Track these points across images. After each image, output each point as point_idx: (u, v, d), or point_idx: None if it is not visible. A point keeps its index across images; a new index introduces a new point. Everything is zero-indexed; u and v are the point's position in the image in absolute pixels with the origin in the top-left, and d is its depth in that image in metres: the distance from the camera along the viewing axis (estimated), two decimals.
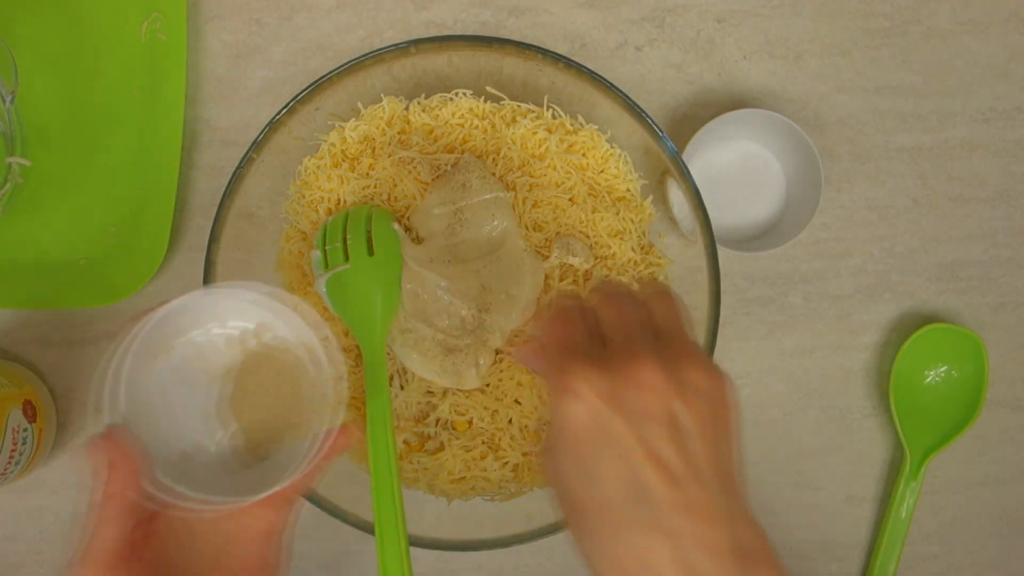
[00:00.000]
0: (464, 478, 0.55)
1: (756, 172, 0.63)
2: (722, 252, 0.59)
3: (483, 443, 0.56)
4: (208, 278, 0.52)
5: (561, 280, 0.55)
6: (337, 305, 0.55)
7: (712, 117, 0.59)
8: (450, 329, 0.54)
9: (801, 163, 0.61)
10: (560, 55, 0.52)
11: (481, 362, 0.55)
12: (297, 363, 0.43)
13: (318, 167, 0.57)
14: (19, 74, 0.59)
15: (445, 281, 0.54)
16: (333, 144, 0.57)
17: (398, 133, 0.57)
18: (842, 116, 0.64)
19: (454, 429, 0.56)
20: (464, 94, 0.57)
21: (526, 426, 0.56)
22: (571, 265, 0.56)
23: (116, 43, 0.62)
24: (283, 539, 0.42)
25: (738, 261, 0.63)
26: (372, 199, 0.56)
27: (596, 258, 0.56)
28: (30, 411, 0.58)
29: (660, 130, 0.52)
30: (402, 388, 0.56)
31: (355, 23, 0.64)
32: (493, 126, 0.57)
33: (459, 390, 0.55)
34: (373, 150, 0.57)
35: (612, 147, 0.57)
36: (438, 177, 0.56)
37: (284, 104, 0.52)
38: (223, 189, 0.53)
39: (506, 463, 0.55)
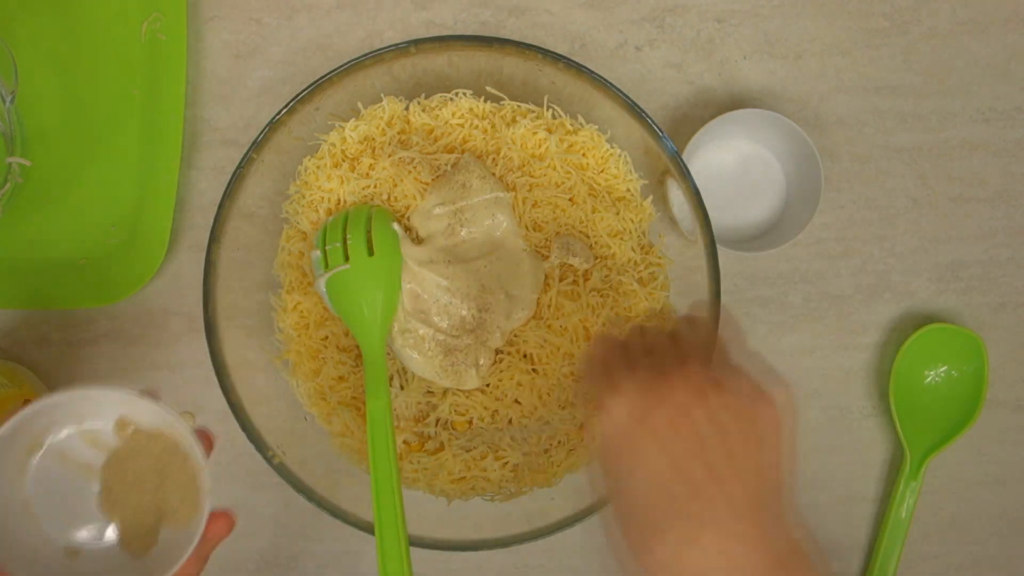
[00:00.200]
0: (464, 478, 0.55)
1: (756, 172, 0.63)
2: (722, 252, 0.59)
3: (483, 443, 0.56)
4: (208, 278, 0.52)
5: (561, 280, 0.55)
6: (337, 305, 0.55)
7: (712, 117, 0.59)
8: (450, 329, 0.54)
9: (801, 163, 0.61)
10: (560, 55, 0.52)
11: (481, 362, 0.55)
12: (165, 451, 0.43)
13: (318, 167, 0.57)
14: (19, 74, 0.59)
15: (445, 281, 0.54)
16: (333, 144, 0.57)
17: (398, 133, 0.57)
18: (842, 116, 0.64)
19: (454, 429, 0.56)
20: (464, 94, 0.57)
21: (526, 426, 0.56)
22: (571, 265, 0.56)
23: (116, 43, 0.62)
24: None
25: (738, 261, 0.63)
26: (372, 199, 0.56)
27: (596, 258, 0.56)
28: None
29: (660, 130, 0.52)
30: (402, 388, 0.56)
31: (355, 23, 0.64)
32: (493, 126, 0.57)
33: (459, 390, 0.55)
34: (373, 150, 0.57)
35: (612, 147, 0.57)
36: (438, 177, 0.56)
37: (284, 104, 0.52)
38: (223, 189, 0.53)
39: (506, 463, 0.55)
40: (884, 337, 0.64)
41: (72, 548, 0.42)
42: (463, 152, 0.56)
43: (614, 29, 0.64)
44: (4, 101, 0.59)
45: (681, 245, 0.57)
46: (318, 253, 0.55)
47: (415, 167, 0.55)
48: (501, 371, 0.55)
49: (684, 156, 0.59)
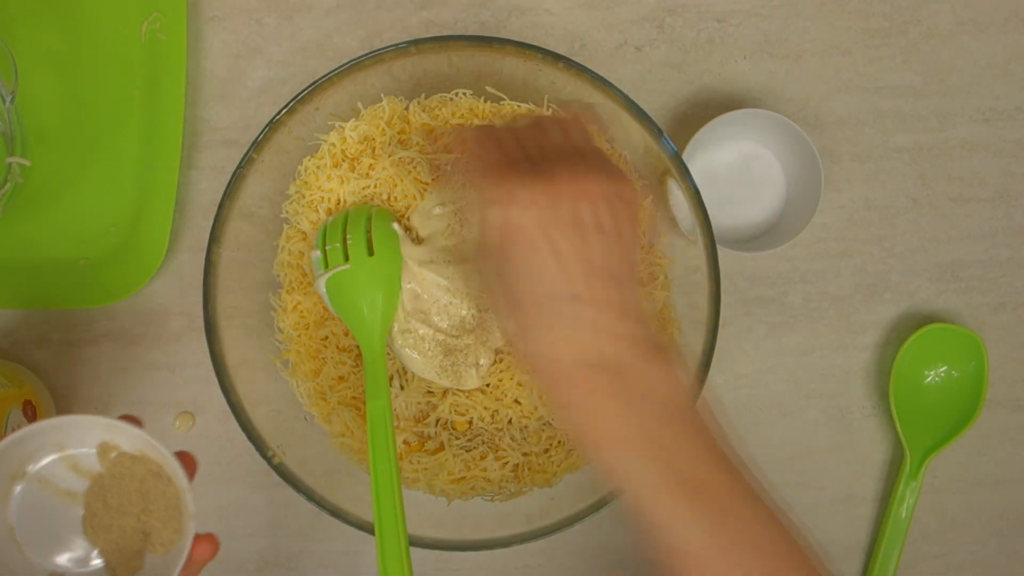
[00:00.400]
0: (464, 478, 0.55)
1: (756, 172, 0.63)
2: (722, 252, 0.59)
3: (483, 443, 0.56)
4: (208, 278, 0.52)
5: None
6: (337, 305, 0.55)
7: (712, 117, 0.59)
8: (450, 329, 0.54)
9: (801, 163, 0.61)
10: (560, 55, 0.52)
11: (481, 362, 0.55)
12: (147, 475, 0.43)
13: (318, 167, 0.57)
14: (19, 74, 0.59)
15: (445, 281, 0.54)
16: (333, 144, 0.57)
17: (398, 133, 0.57)
18: (842, 116, 0.64)
19: (454, 429, 0.56)
20: (464, 94, 0.57)
21: (526, 426, 0.56)
22: None
23: (116, 43, 0.62)
24: None
25: (738, 261, 0.63)
26: (372, 199, 0.56)
27: None
28: (30, 411, 0.58)
29: (660, 130, 0.52)
30: (402, 388, 0.56)
31: (355, 23, 0.64)
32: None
33: (459, 390, 0.55)
34: (373, 150, 0.57)
35: (612, 147, 0.57)
36: (438, 177, 0.56)
37: (284, 104, 0.52)
38: (223, 189, 0.53)
39: (506, 463, 0.55)
40: (884, 337, 0.64)
41: (57, 574, 0.42)
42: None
43: (614, 29, 0.64)
44: (4, 101, 0.59)
45: (681, 245, 0.57)
46: (318, 253, 0.55)
47: (415, 167, 0.55)
48: (501, 371, 0.55)
49: (684, 156, 0.59)
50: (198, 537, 0.42)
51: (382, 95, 0.57)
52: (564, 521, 0.52)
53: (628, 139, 0.56)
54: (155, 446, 0.41)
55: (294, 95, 0.52)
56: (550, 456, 0.56)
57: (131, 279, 0.60)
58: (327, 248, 0.54)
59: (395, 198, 0.56)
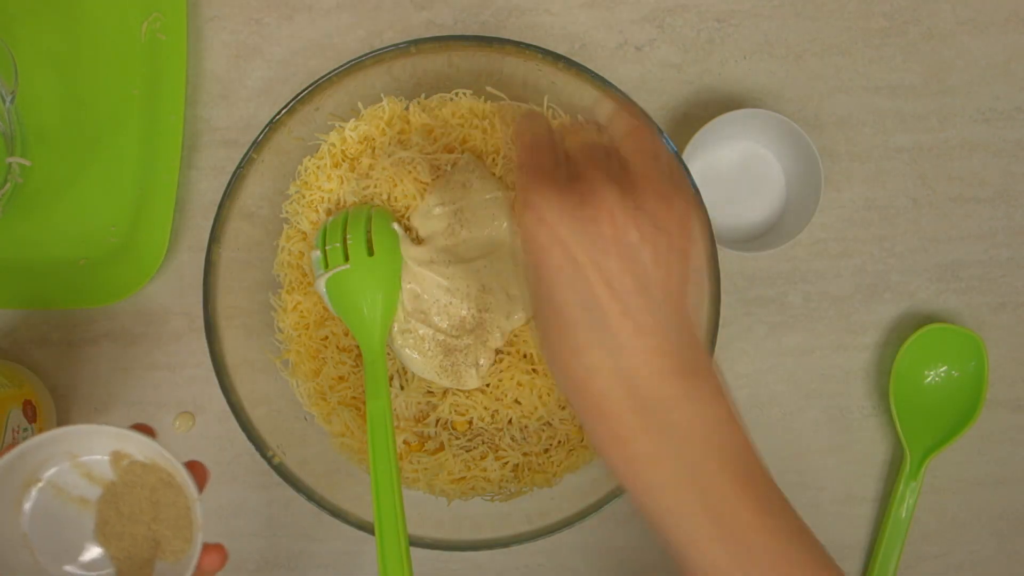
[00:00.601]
0: (464, 478, 0.55)
1: (756, 172, 0.63)
2: (722, 252, 0.59)
3: (483, 443, 0.56)
4: (208, 278, 0.52)
5: None
6: (337, 305, 0.55)
7: (712, 117, 0.59)
8: (450, 329, 0.54)
9: (801, 163, 0.61)
10: (560, 55, 0.52)
11: (481, 362, 0.55)
12: (159, 484, 0.43)
13: (318, 167, 0.57)
14: (19, 74, 0.59)
15: (445, 281, 0.54)
16: (333, 144, 0.57)
17: (398, 133, 0.57)
18: (842, 116, 0.64)
19: (454, 429, 0.56)
20: (464, 94, 0.57)
21: (526, 426, 0.56)
22: None
23: (116, 43, 0.62)
24: None
25: (738, 261, 0.63)
26: (372, 199, 0.56)
27: None
28: (30, 411, 0.58)
29: (660, 130, 0.52)
30: (402, 388, 0.56)
31: (355, 23, 0.64)
32: (493, 126, 0.57)
33: (459, 390, 0.55)
34: (373, 150, 0.57)
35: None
36: (438, 177, 0.56)
37: (284, 104, 0.52)
38: (223, 189, 0.53)
39: (506, 463, 0.55)
40: (884, 337, 0.64)
41: None
42: (463, 152, 0.56)
43: (614, 29, 0.64)
44: (4, 101, 0.59)
45: None
46: (318, 253, 0.55)
47: (415, 167, 0.55)
48: (501, 371, 0.55)
49: (684, 156, 0.59)
50: (206, 547, 0.42)
51: (382, 95, 0.57)
52: (564, 521, 0.52)
53: None
54: (166, 456, 0.42)
55: (294, 95, 0.52)
56: (550, 456, 0.56)
57: (131, 279, 0.60)
58: (327, 248, 0.54)
59: (395, 198, 0.56)
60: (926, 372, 0.63)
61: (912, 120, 0.64)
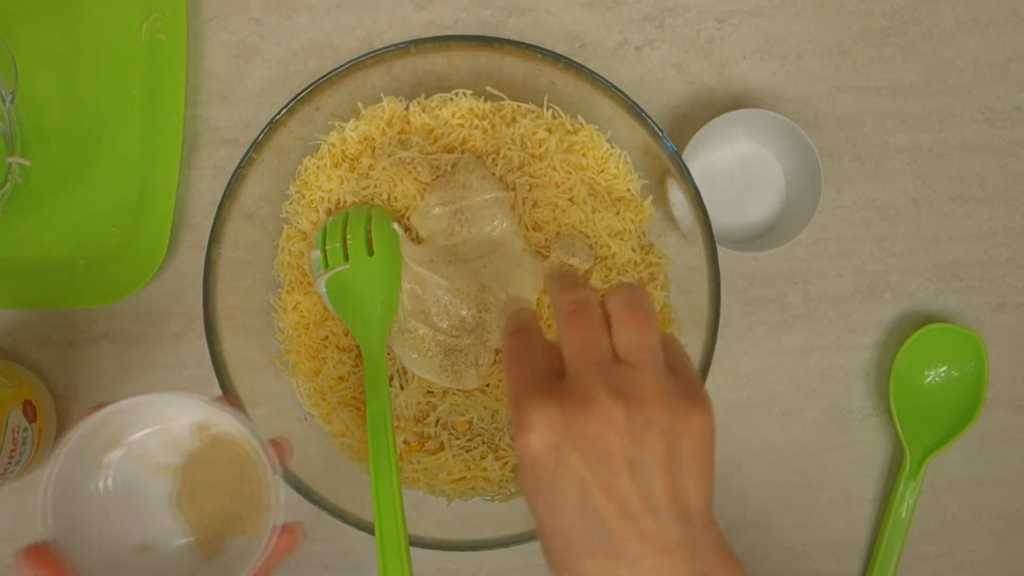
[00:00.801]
0: (464, 478, 0.55)
1: (756, 172, 0.63)
2: (722, 252, 0.59)
3: (483, 443, 0.56)
4: (208, 278, 0.52)
5: None
6: (337, 305, 0.55)
7: (712, 117, 0.59)
8: (450, 329, 0.54)
9: (801, 163, 0.61)
10: (560, 55, 0.52)
11: (481, 362, 0.55)
12: (241, 458, 0.43)
13: (318, 167, 0.57)
14: (19, 74, 0.59)
15: (445, 281, 0.54)
16: (333, 144, 0.57)
17: (398, 133, 0.57)
18: (842, 116, 0.64)
19: (454, 429, 0.56)
20: (464, 94, 0.57)
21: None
22: (571, 265, 0.56)
23: (116, 43, 0.62)
24: None
25: (738, 261, 0.63)
26: (372, 199, 0.56)
27: (596, 258, 0.56)
28: (30, 411, 0.58)
29: (660, 130, 0.52)
30: (402, 388, 0.56)
31: (355, 23, 0.64)
32: (493, 126, 0.57)
33: (459, 390, 0.55)
34: (373, 150, 0.57)
35: (612, 147, 0.57)
36: (438, 177, 0.56)
37: (284, 104, 0.52)
38: (223, 189, 0.53)
39: (506, 463, 0.55)
40: (884, 337, 0.64)
41: (143, 546, 0.42)
42: (463, 152, 0.56)
43: (614, 29, 0.64)
44: (4, 101, 0.59)
45: (681, 245, 0.57)
46: (318, 253, 0.55)
47: (415, 167, 0.55)
48: (501, 371, 0.55)
49: (684, 156, 0.59)
50: (284, 527, 0.41)
51: (382, 95, 0.57)
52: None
53: (628, 139, 0.56)
54: (249, 432, 0.41)
55: (294, 95, 0.52)
56: None
57: (131, 279, 0.60)
58: (327, 248, 0.54)
59: (395, 198, 0.56)
60: (926, 372, 0.63)
61: (912, 120, 0.64)
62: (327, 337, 0.57)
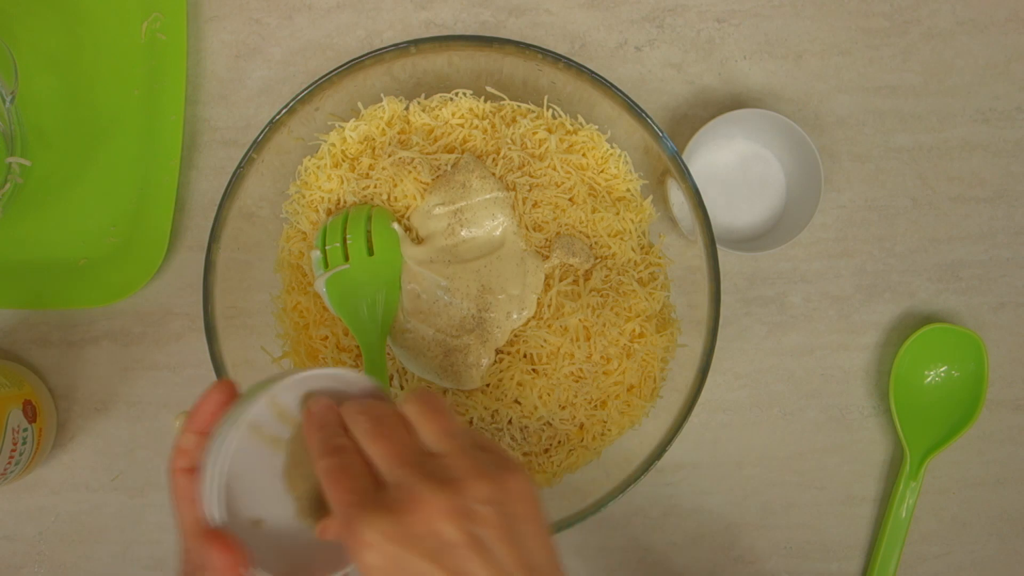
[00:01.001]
0: None
1: (756, 172, 0.63)
2: (722, 252, 0.59)
3: None
4: (208, 278, 0.52)
5: (561, 280, 0.55)
6: (337, 305, 0.55)
7: (712, 117, 0.59)
8: (450, 329, 0.54)
9: (801, 163, 0.61)
10: (560, 55, 0.52)
11: (481, 362, 0.55)
12: None
13: (318, 167, 0.57)
14: (19, 74, 0.59)
15: (445, 281, 0.54)
16: (333, 144, 0.57)
17: (398, 133, 0.57)
18: (842, 116, 0.64)
19: None
20: (464, 94, 0.57)
21: (526, 426, 0.56)
22: (571, 265, 0.56)
23: (116, 43, 0.62)
24: None
25: (738, 261, 0.63)
26: (372, 199, 0.56)
27: (596, 258, 0.56)
28: (30, 411, 0.58)
29: (660, 130, 0.52)
30: (402, 388, 0.56)
31: (355, 23, 0.64)
32: (493, 126, 0.57)
33: (459, 390, 0.55)
34: (373, 150, 0.57)
35: (612, 147, 0.57)
36: (438, 177, 0.56)
37: (284, 104, 0.52)
38: (223, 189, 0.53)
39: None
40: (884, 337, 0.64)
41: (256, 518, 0.41)
42: (463, 152, 0.56)
43: (614, 29, 0.64)
44: (4, 101, 0.59)
45: (681, 245, 0.57)
46: (318, 253, 0.55)
47: (415, 167, 0.55)
48: (501, 371, 0.55)
49: (684, 156, 0.59)
50: None
51: (382, 95, 0.57)
52: (564, 521, 0.52)
53: (628, 139, 0.56)
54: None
55: (294, 95, 0.52)
56: (550, 456, 0.56)
57: (131, 279, 0.60)
58: (327, 248, 0.54)
59: (395, 198, 0.56)
60: (926, 372, 0.63)
61: (912, 120, 0.64)
62: (327, 337, 0.57)
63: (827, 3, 0.64)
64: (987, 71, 0.64)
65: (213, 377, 0.52)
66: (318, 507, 0.41)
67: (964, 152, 0.64)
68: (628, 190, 0.58)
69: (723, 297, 0.52)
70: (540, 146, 0.56)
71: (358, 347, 0.56)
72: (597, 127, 0.57)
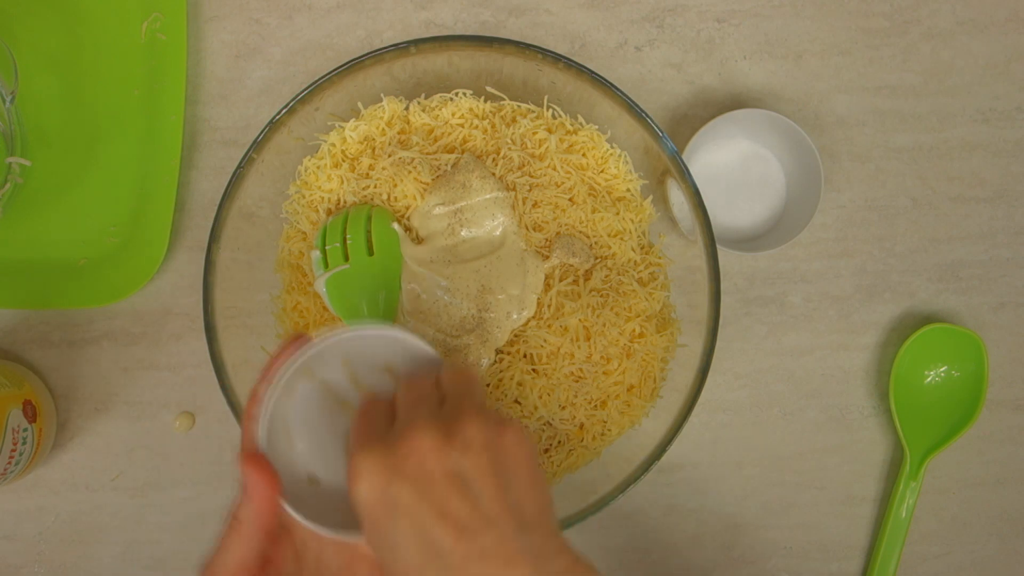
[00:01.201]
0: None
1: (756, 172, 0.63)
2: (722, 252, 0.59)
3: None
4: (208, 278, 0.52)
5: (561, 280, 0.55)
6: (337, 305, 0.55)
7: (712, 117, 0.59)
8: (450, 329, 0.54)
9: (801, 163, 0.61)
10: (560, 55, 0.52)
11: (482, 362, 0.55)
12: None
13: (318, 167, 0.57)
14: (19, 74, 0.59)
15: (445, 281, 0.54)
16: (333, 144, 0.57)
17: (398, 133, 0.57)
18: (842, 116, 0.64)
19: None
20: (464, 94, 0.57)
21: (526, 426, 0.56)
22: (571, 265, 0.56)
23: (116, 43, 0.62)
24: None
25: (738, 261, 0.63)
26: (372, 199, 0.56)
27: (596, 258, 0.56)
28: (30, 411, 0.58)
29: (660, 130, 0.52)
30: None
31: (355, 23, 0.64)
32: (493, 126, 0.57)
33: None
34: (373, 150, 0.57)
35: (612, 147, 0.57)
36: (438, 177, 0.56)
37: (284, 104, 0.52)
38: (223, 189, 0.53)
39: None
40: (884, 337, 0.64)
41: (314, 477, 0.41)
42: (463, 152, 0.56)
43: (614, 29, 0.64)
44: (4, 101, 0.59)
45: (681, 245, 0.57)
46: (318, 253, 0.55)
47: (415, 167, 0.55)
48: (501, 371, 0.55)
49: (684, 156, 0.59)
50: None
51: (382, 95, 0.57)
52: (564, 521, 0.52)
53: (628, 139, 0.56)
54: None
55: (294, 95, 0.52)
56: (550, 456, 0.56)
57: (131, 279, 0.60)
58: (327, 248, 0.54)
59: (395, 198, 0.56)
60: (926, 372, 0.63)
61: (912, 120, 0.64)
62: None
63: (827, 3, 0.64)
64: (987, 71, 0.64)
65: (213, 377, 0.52)
66: None
67: (964, 152, 0.64)
68: (628, 190, 0.58)
69: (723, 297, 0.52)
70: (540, 146, 0.56)
71: None
72: (597, 127, 0.57)
